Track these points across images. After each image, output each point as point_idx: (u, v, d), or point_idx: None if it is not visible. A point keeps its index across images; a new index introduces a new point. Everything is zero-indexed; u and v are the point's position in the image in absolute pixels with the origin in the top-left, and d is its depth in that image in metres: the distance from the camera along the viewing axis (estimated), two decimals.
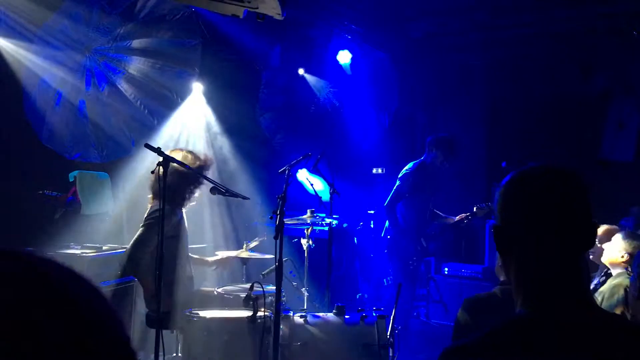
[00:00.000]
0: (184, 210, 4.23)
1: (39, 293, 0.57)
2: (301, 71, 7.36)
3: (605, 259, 3.96)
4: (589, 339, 1.21)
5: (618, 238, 3.93)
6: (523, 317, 1.26)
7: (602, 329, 1.23)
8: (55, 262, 0.62)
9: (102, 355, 0.57)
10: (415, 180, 5.76)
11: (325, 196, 5.36)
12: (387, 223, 5.96)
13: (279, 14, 3.57)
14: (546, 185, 1.28)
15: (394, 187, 5.83)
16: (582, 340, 1.20)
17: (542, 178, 1.30)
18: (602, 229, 4.29)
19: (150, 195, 4.09)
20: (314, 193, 5.35)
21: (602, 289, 3.86)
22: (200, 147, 6.16)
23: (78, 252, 4.45)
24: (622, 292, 3.65)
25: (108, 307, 0.63)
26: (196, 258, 4.51)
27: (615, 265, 3.90)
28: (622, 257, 3.85)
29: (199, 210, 5.55)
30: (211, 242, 5.87)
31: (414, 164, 5.88)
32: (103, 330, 0.60)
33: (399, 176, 5.87)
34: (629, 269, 3.78)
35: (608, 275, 3.99)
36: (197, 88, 6.23)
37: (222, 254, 4.66)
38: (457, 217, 5.92)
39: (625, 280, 3.72)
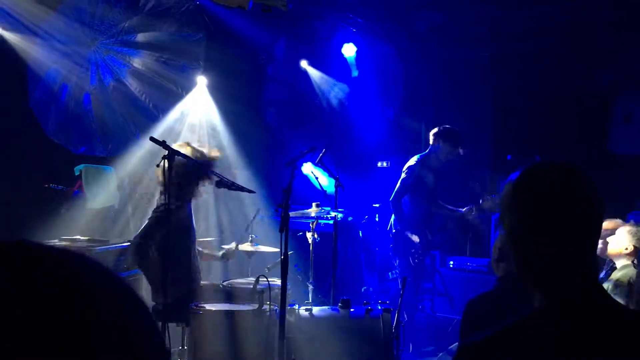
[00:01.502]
0: (192, 204, 4.24)
1: (77, 306, 0.52)
2: (303, 63, 7.32)
3: (610, 252, 3.94)
4: (606, 330, 1.22)
5: (623, 230, 3.91)
6: (544, 311, 1.26)
7: (617, 321, 1.24)
8: (93, 266, 0.57)
9: None
10: (420, 173, 5.74)
11: (330, 189, 5.36)
12: (392, 217, 5.95)
13: (285, 5, 3.56)
14: (558, 180, 1.29)
15: (399, 181, 5.82)
16: (600, 332, 1.22)
17: (552, 173, 1.31)
18: (606, 223, 4.27)
19: (159, 189, 4.09)
20: (319, 186, 5.35)
21: (608, 280, 3.84)
22: (203, 140, 6.17)
23: (84, 245, 4.46)
24: (626, 284, 3.63)
25: (149, 321, 0.58)
26: (205, 253, 4.52)
27: (620, 257, 3.88)
28: (627, 249, 3.83)
29: (205, 204, 5.56)
30: (216, 236, 5.88)
31: (419, 156, 5.86)
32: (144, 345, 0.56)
33: (404, 169, 5.85)
34: (635, 262, 3.77)
35: (613, 268, 3.98)
36: (202, 81, 6.23)
37: (228, 247, 4.66)
38: (464, 209, 5.89)
39: (630, 272, 3.71)
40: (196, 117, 6.37)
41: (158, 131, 5.67)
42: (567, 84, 7.23)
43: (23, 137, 4.83)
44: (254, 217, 4.63)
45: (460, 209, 5.91)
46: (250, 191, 4.04)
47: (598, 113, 7.14)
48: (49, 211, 4.66)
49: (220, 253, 4.62)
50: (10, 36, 4.72)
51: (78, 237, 4.66)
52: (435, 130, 5.91)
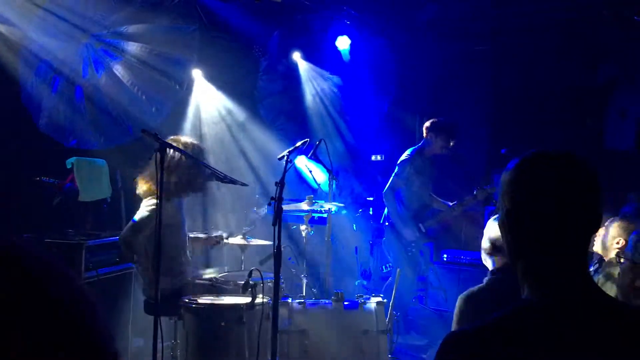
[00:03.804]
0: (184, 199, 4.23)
1: (10, 287, 0.51)
2: (297, 56, 7.30)
3: (600, 246, 3.93)
4: (598, 323, 1.21)
5: (612, 224, 3.89)
6: (532, 303, 1.25)
7: (609, 314, 1.24)
8: (33, 251, 0.56)
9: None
10: (414, 167, 5.73)
11: (324, 183, 5.35)
12: (386, 210, 5.94)
13: None
14: (559, 170, 1.27)
15: (393, 173, 5.81)
16: (592, 325, 1.21)
17: (553, 163, 1.28)
18: None
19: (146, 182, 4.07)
20: (312, 180, 5.33)
21: (598, 274, 3.83)
22: (209, 134, 6.32)
23: (76, 238, 4.44)
24: (616, 277, 3.63)
25: (90, 307, 0.57)
26: (193, 237, 4.52)
27: (610, 252, 3.87)
28: (617, 243, 3.81)
29: (198, 197, 5.54)
30: (211, 229, 5.86)
31: (413, 149, 5.85)
32: (82, 333, 0.55)
33: (398, 162, 5.84)
34: (620, 256, 3.74)
35: (601, 262, 3.96)
36: (197, 74, 6.26)
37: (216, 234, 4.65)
38: (451, 204, 5.85)
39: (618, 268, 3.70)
40: (213, 109, 6.55)
41: (184, 130, 5.92)
42: (563, 80, 7.23)
43: (14, 130, 4.79)
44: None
45: (449, 203, 5.90)
46: (242, 184, 4.03)
47: (594, 109, 7.15)
48: (40, 205, 4.63)
49: (206, 236, 4.61)
50: (1, 28, 4.68)
51: (69, 230, 4.64)
52: (428, 123, 5.89)
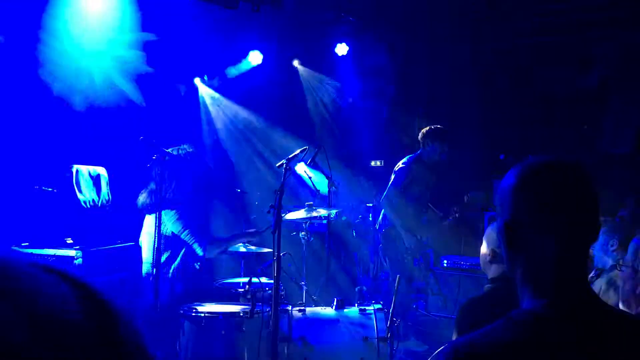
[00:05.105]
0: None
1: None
2: (296, 63, 7.34)
3: (595, 252, 3.92)
4: (599, 333, 1.21)
5: (608, 229, 3.89)
6: (531, 311, 1.25)
7: (610, 323, 1.24)
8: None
9: None
10: (411, 174, 5.71)
11: (324, 189, 5.34)
12: (380, 217, 5.93)
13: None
14: (559, 179, 1.27)
15: (390, 183, 5.79)
16: (593, 334, 1.21)
17: (551, 170, 1.28)
18: None
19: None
20: (312, 186, 5.33)
21: (597, 282, 3.83)
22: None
23: (75, 247, 4.42)
24: (617, 284, 3.62)
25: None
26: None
27: (606, 256, 3.86)
28: (612, 245, 3.81)
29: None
30: None
31: (410, 157, 5.83)
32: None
33: (395, 170, 5.82)
34: (620, 262, 3.74)
35: (601, 269, 3.95)
36: (197, 80, 6.30)
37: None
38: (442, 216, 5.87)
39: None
40: (216, 116, 6.63)
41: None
42: (559, 83, 7.25)
43: (12, 137, 4.79)
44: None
45: (440, 213, 5.91)
46: (242, 192, 4.03)
47: (591, 112, 7.17)
48: (39, 213, 4.62)
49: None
50: None
51: (68, 239, 4.62)
52: (424, 130, 5.88)
